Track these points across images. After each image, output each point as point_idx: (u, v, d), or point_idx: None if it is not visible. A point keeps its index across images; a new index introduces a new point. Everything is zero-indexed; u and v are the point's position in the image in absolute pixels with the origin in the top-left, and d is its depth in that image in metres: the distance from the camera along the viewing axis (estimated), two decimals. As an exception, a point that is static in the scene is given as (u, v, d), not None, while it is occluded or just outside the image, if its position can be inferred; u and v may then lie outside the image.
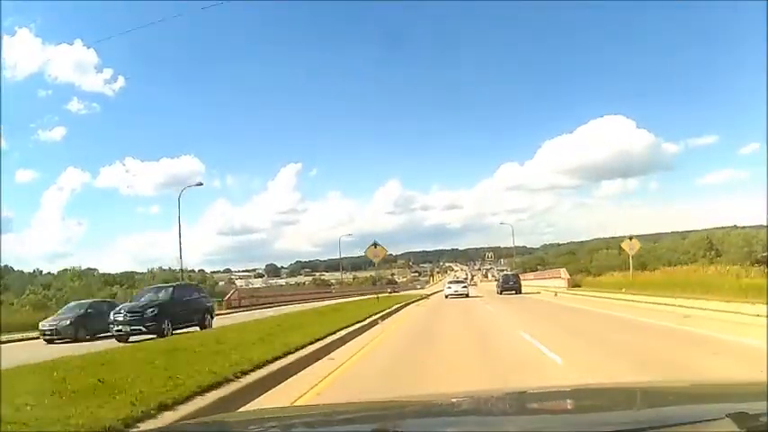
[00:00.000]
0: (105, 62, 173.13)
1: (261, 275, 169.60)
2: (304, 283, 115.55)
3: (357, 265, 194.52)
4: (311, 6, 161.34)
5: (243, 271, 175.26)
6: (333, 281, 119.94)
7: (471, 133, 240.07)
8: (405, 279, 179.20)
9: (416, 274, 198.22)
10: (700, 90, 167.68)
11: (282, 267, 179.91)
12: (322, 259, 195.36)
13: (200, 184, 46.15)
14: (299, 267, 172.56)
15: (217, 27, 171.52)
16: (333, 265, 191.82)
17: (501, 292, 35.18)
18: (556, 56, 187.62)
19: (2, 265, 55.22)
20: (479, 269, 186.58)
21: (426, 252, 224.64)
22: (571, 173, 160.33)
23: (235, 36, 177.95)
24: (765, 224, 47.53)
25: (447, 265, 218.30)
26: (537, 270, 73.43)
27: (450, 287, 32.97)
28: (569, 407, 1.91)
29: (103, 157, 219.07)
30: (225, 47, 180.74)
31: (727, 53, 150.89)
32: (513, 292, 34.57)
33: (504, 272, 49.66)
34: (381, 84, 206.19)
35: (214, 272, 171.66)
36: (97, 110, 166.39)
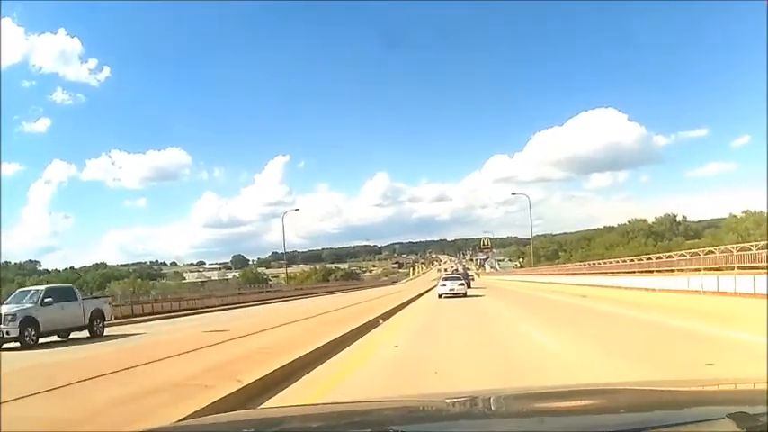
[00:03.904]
0: (89, 52, 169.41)
1: (229, 268, 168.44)
2: (226, 280, 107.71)
3: (339, 256, 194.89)
4: (302, 1, 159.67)
5: (215, 264, 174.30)
6: (271, 277, 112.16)
7: (460, 126, 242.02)
8: (379, 272, 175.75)
9: (397, 265, 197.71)
10: (691, 83, 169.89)
11: (259, 258, 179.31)
12: (301, 250, 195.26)
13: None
14: (272, 259, 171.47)
15: (206, 19, 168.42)
16: (310, 257, 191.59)
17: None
18: (547, 48, 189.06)
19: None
20: (471, 259, 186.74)
21: (413, 243, 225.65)
22: (561, 165, 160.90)
23: (223, 28, 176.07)
24: None
25: (434, 255, 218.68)
26: (558, 262, 66.61)
27: (444, 284, 31.08)
28: (569, 407, 1.99)
29: (89, 149, 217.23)
30: (213, 38, 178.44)
31: (718, 47, 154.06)
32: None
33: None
34: (370, 76, 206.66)
35: (187, 265, 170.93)
36: (82, 100, 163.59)
